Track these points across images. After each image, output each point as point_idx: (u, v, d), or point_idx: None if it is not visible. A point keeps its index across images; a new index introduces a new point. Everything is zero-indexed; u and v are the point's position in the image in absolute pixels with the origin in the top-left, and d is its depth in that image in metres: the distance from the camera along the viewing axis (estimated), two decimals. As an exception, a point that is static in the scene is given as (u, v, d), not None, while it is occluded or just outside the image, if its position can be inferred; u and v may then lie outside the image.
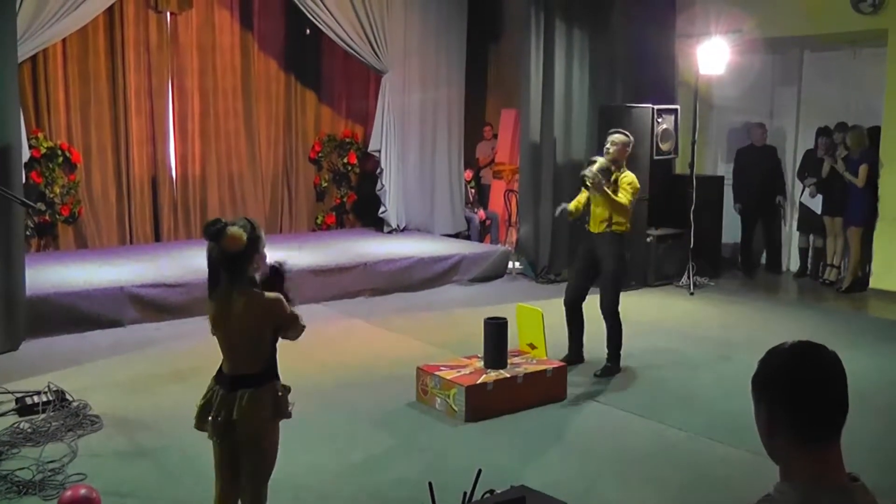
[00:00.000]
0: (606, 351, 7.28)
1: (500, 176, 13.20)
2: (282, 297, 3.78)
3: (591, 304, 7.38)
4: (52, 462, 5.21)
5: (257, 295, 3.74)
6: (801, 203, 11.18)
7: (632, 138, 7.36)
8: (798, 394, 1.88)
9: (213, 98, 11.51)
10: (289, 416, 3.87)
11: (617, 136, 7.21)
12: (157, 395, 6.58)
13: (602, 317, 7.24)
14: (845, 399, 1.91)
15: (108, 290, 8.45)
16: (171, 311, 8.64)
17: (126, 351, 7.72)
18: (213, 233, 3.65)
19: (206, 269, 3.77)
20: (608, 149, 7.18)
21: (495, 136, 13.67)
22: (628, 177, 7.13)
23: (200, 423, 3.83)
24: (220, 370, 3.85)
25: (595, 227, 7.15)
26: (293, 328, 3.83)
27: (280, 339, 3.86)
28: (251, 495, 3.82)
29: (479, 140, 13.85)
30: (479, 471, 3.10)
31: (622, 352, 7.33)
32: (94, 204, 10.72)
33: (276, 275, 3.85)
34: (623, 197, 7.02)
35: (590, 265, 7.27)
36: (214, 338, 3.87)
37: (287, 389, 3.86)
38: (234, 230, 3.64)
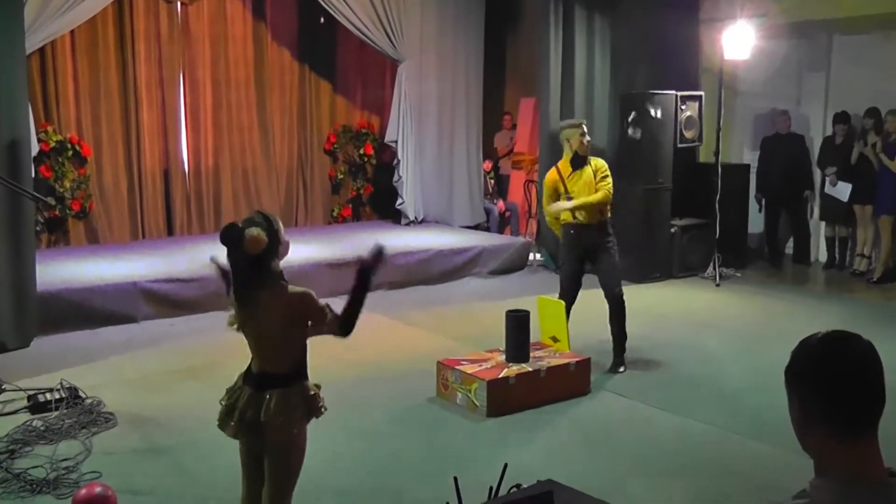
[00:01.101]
0: (613, 345, 7.18)
1: (520, 166, 13.16)
2: (311, 291, 3.75)
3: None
4: (65, 460, 5.23)
5: (283, 289, 3.71)
6: (823, 192, 11.09)
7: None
8: (832, 385, 1.85)
9: (225, 89, 11.53)
10: (320, 413, 3.80)
11: (583, 127, 7.07)
12: (171, 393, 6.60)
13: (611, 309, 7.13)
14: (882, 389, 1.87)
15: (121, 285, 8.47)
16: (184, 307, 8.66)
17: (139, 347, 7.74)
18: (233, 240, 3.61)
19: (225, 263, 3.72)
20: (583, 142, 6.99)
21: (514, 125, 13.64)
22: (602, 167, 7.04)
23: (225, 424, 3.79)
24: (248, 368, 3.81)
25: (587, 218, 7.02)
26: (325, 322, 3.74)
27: (312, 335, 3.77)
28: (274, 499, 3.76)
29: (497, 130, 13.82)
30: (506, 465, 3.09)
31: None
32: (105, 198, 10.76)
33: (377, 257, 3.84)
34: (605, 192, 6.95)
35: (582, 266, 7.18)
36: (229, 334, 3.84)
37: (318, 387, 3.81)
38: (252, 232, 3.59)
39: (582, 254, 7.11)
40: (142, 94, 10.86)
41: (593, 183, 6.95)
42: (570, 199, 6.95)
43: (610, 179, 7.02)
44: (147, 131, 10.94)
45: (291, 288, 3.72)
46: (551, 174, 7.15)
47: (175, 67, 11.16)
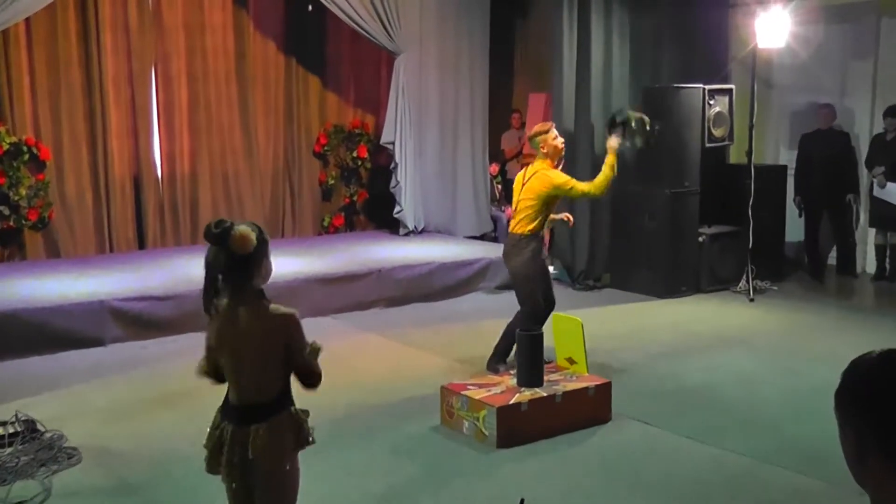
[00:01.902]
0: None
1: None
2: (297, 314, 3.71)
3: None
4: (21, 503, 5.18)
5: (266, 307, 3.69)
6: (871, 195, 11.06)
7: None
8: (892, 410, 1.82)
9: (203, 85, 11.53)
10: (312, 442, 3.80)
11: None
12: (143, 424, 6.55)
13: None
14: (947, 416, 1.84)
15: (86, 304, 8.44)
16: (158, 328, 8.64)
17: (107, 373, 7.71)
18: (219, 234, 3.59)
19: (202, 279, 3.70)
20: (556, 146, 7.28)
21: (523, 124, 13.64)
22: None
23: (213, 467, 3.75)
24: (225, 401, 3.78)
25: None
26: (300, 358, 3.68)
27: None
28: None
29: (505, 129, 13.81)
30: (522, 500, 3.07)
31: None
32: (68, 207, 10.74)
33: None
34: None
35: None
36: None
37: (306, 414, 3.80)
38: (242, 229, 3.60)
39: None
40: (108, 91, 10.83)
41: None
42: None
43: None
44: (115, 132, 10.91)
45: (274, 307, 3.69)
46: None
47: (146, 61, 11.14)
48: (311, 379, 3.73)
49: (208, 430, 3.80)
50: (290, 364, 3.69)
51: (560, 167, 7.41)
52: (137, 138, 11.17)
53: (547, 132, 7.25)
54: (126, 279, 9.29)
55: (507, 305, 9.95)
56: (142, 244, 11.26)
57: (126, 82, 11.03)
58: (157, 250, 11.11)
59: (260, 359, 3.66)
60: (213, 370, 3.79)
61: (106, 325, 8.45)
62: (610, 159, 7.34)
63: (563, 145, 7.33)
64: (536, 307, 7.31)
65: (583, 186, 7.31)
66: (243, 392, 3.69)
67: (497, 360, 7.44)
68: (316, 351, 3.71)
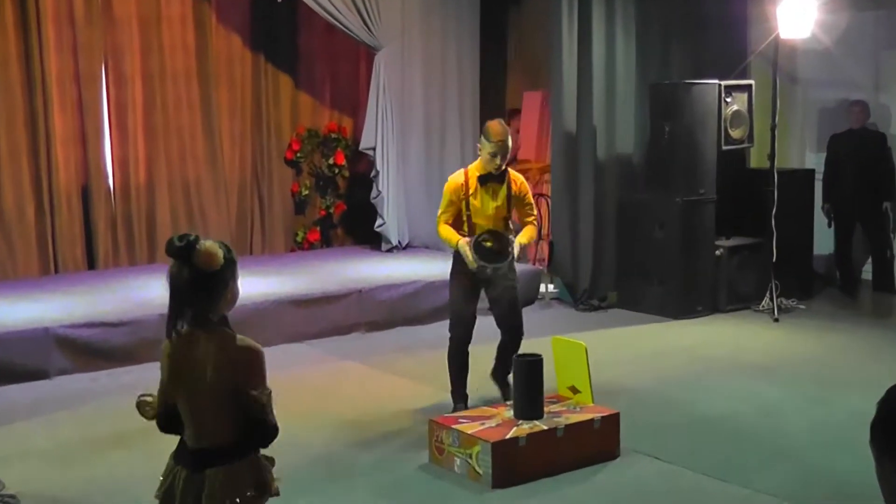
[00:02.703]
0: (502, 379, 7.48)
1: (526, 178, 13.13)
2: (262, 351, 3.68)
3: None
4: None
5: (230, 337, 3.67)
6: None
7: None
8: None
9: (160, 84, 11.51)
10: (276, 493, 3.77)
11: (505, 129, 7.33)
12: (93, 466, 6.52)
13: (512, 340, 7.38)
14: None
15: (28, 332, 8.42)
16: (111, 358, 8.61)
17: (52, 409, 7.67)
18: (182, 248, 3.57)
19: (160, 302, 3.68)
20: (484, 156, 7.22)
21: (517, 131, 13.61)
22: (524, 183, 7.49)
23: None
24: (180, 444, 3.76)
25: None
26: (259, 400, 3.61)
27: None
28: None
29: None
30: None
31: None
32: (6, 223, 10.69)
33: None
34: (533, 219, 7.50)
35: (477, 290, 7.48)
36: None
37: (271, 462, 3.79)
38: (208, 244, 3.58)
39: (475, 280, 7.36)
40: (52, 92, 10.77)
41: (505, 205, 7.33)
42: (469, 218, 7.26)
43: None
44: (60, 138, 10.87)
45: (240, 339, 3.67)
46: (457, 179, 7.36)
47: (95, 57, 11.10)
48: (264, 428, 3.65)
49: (161, 477, 3.77)
50: (248, 401, 3.61)
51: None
52: (86, 144, 11.13)
53: (492, 141, 7.13)
54: (74, 303, 9.25)
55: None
56: (91, 264, 11.20)
57: (72, 82, 10.98)
58: (109, 270, 11.05)
59: (219, 395, 3.62)
60: (164, 413, 3.73)
61: (51, 356, 8.41)
62: (456, 245, 7.17)
63: (494, 161, 7.16)
64: (452, 315, 7.43)
65: (441, 217, 7.34)
66: (199, 433, 3.67)
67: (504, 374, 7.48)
68: (266, 394, 3.63)
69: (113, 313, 8.87)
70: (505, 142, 7.13)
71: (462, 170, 7.44)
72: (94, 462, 6.59)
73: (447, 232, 7.20)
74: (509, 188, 7.27)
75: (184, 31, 11.66)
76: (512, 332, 7.44)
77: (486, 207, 7.23)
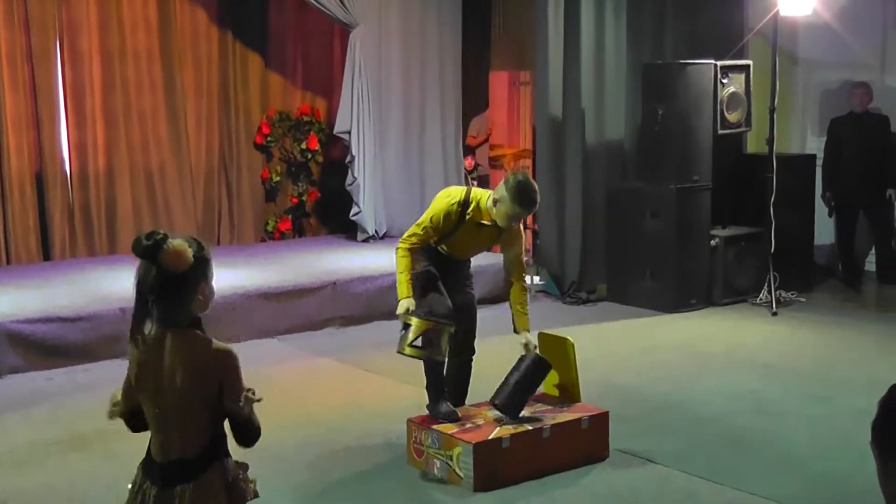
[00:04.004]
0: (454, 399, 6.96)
1: (499, 164, 13.16)
2: (236, 354, 3.67)
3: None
4: None
5: (201, 341, 3.65)
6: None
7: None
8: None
9: (119, 64, 11.45)
10: (255, 496, 3.79)
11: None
12: (47, 471, 6.47)
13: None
14: None
15: (-22, 328, 8.42)
16: (67, 355, 8.56)
17: (3, 410, 7.62)
18: (149, 247, 3.56)
19: (120, 296, 3.68)
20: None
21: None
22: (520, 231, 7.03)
23: None
24: (147, 455, 3.75)
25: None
26: (235, 404, 3.61)
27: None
28: None
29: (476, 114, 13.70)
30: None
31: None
32: (-47, 213, 10.67)
33: None
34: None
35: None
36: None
37: (244, 467, 3.79)
38: (176, 243, 3.58)
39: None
40: (2, 72, 10.71)
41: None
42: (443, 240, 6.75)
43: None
44: (11, 122, 10.79)
45: (215, 343, 3.66)
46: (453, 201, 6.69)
47: (48, 34, 11.02)
48: (248, 431, 3.67)
49: (129, 489, 3.76)
50: (226, 407, 3.63)
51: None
52: (39, 128, 11.06)
53: (522, 207, 6.46)
54: (27, 297, 9.19)
55: (486, 323, 9.97)
56: (46, 255, 11.14)
57: (24, 60, 10.88)
58: (66, 262, 10.99)
59: (188, 403, 3.62)
60: (129, 414, 3.74)
61: (2, 353, 8.36)
62: (399, 296, 6.65)
63: (509, 222, 6.54)
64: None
65: (410, 238, 6.72)
66: (167, 443, 3.66)
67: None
68: (251, 401, 3.64)
69: (69, 307, 8.80)
70: (534, 210, 6.85)
71: (462, 192, 6.69)
72: (49, 466, 6.54)
73: (403, 267, 6.59)
74: (500, 230, 6.69)
75: (145, 5, 11.58)
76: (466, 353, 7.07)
77: (466, 242, 6.82)
